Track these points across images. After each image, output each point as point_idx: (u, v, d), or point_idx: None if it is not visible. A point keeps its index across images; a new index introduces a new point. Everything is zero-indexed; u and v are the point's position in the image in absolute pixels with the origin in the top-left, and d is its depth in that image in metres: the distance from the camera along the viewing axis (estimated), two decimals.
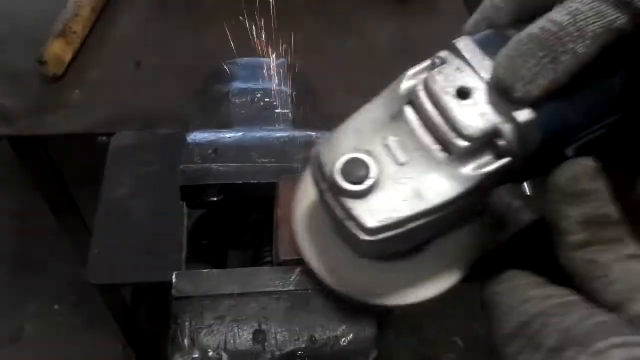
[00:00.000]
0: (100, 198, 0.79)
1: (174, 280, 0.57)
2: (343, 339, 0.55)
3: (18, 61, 1.21)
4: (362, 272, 0.52)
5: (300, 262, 0.57)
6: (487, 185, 0.42)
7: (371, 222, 0.42)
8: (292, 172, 0.66)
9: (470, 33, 0.45)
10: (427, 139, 0.43)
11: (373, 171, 0.43)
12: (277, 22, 1.38)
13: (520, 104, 0.39)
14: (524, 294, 0.36)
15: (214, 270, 0.59)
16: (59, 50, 1.17)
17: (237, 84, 0.81)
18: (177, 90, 1.16)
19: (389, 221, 0.42)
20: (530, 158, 0.41)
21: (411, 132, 0.43)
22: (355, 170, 0.43)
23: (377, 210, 0.42)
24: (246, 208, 0.70)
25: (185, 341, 0.54)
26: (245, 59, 0.86)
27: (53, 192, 1.32)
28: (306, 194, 0.55)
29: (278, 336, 0.54)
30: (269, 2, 1.43)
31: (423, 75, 0.44)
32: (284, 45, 1.30)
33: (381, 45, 1.33)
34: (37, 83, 1.17)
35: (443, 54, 0.44)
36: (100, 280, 0.74)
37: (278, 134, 0.70)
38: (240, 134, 0.70)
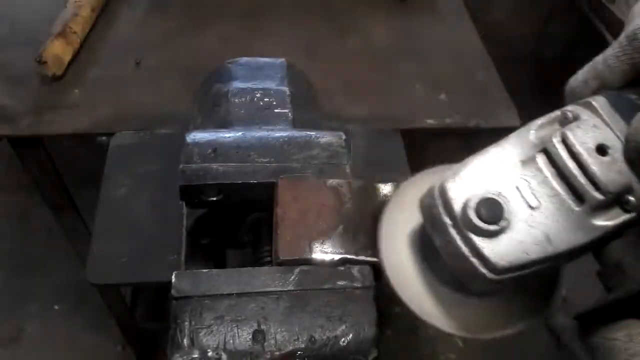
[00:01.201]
0: (100, 198, 0.79)
1: (173, 280, 0.57)
2: (343, 339, 0.55)
3: (18, 61, 1.21)
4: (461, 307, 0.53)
5: (299, 262, 0.57)
6: (609, 237, 0.45)
7: (501, 262, 0.44)
8: (292, 172, 0.66)
9: (577, 88, 0.48)
10: (560, 187, 0.45)
11: (506, 212, 0.45)
12: (277, 22, 1.38)
13: None
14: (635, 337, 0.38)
15: (214, 270, 0.59)
16: (58, 50, 1.17)
17: (237, 84, 0.81)
18: (177, 90, 1.16)
19: (518, 262, 0.44)
20: None
21: (544, 180, 0.46)
22: (490, 210, 0.45)
23: (509, 252, 0.44)
24: (246, 208, 0.70)
25: (185, 341, 0.54)
26: (245, 59, 0.86)
27: (53, 192, 1.32)
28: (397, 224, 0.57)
29: (277, 336, 0.54)
30: (269, 2, 1.43)
31: (552, 126, 0.47)
32: (284, 45, 1.30)
33: (381, 45, 1.33)
34: (37, 83, 1.17)
35: (573, 108, 0.47)
36: (100, 280, 0.74)
37: (278, 134, 0.70)
38: (239, 133, 0.70)
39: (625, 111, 0.44)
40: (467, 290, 0.49)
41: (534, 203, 0.45)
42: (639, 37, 0.43)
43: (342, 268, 0.59)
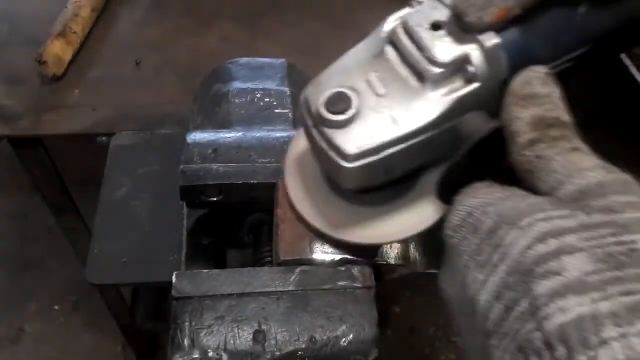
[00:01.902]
0: (100, 198, 0.79)
1: (173, 281, 0.57)
2: (343, 339, 0.55)
3: (18, 61, 1.21)
4: (352, 214, 0.55)
5: (299, 262, 0.57)
6: (459, 113, 0.45)
7: (351, 148, 0.45)
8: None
9: None
10: (404, 71, 0.46)
11: (354, 102, 0.46)
12: (277, 22, 1.38)
13: (474, 31, 0.43)
14: (473, 193, 0.39)
15: (214, 271, 0.59)
16: (59, 50, 1.17)
17: (237, 84, 0.81)
18: (177, 90, 1.16)
19: (367, 147, 0.45)
20: (500, 89, 0.43)
21: (391, 67, 0.47)
22: (338, 102, 0.46)
23: (357, 138, 0.45)
24: (246, 208, 0.70)
25: (185, 341, 0.54)
26: (245, 59, 0.86)
27: (53, 192, 1.32)
28: (296, 146, 0.59)
29: (278, 336, 0.54)
30: (269, 2, 1.43)
31: (402, 17, 0.48)
32: (284, 45, 1.30)
33: None
34: (37, 83, 1.17)
35: None
36: (100, 280, 0.74)
37: (278, 134, 0.70)
38: (240, 134, 0.70)
39: None
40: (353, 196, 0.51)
41: (381, 91, 0.46)
42: None
43: (342, 268, 0.59)
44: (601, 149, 0.38)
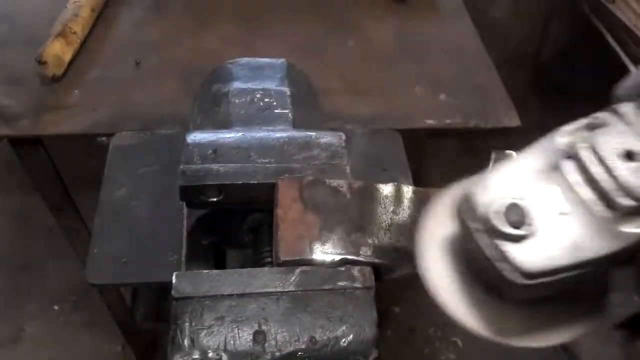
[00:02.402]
0: (100, 198, 0.79)
1: (173, 281, 0.57)
2: (343, 340, 0.55)
3: (18, 61, 1.21)
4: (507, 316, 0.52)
5: (300, 262, 0.57)
6: None
7: (528, 267, 0.44)
8: (292, 172, 0.66)
9: (622, 96, 0.48)
10: (588, 194, 0.45)
11: (533, 217, 0.44)
12: (277, 22, 1.38)
13: None
14: None
15: (214, 271, 0.59)
16: (58, 51, 1.17)
17: (237, 84, 0.81)
18: (177, 90, 1.16)
19: (545, 268, 0.44)
20: None
21: (571, 186, 0.46)
22: (515, 215, 0.44)
23: (534, 257, 0.44)
24: (246, 208, 0.70)
25: (185, 342, 0.54)
26: (245, 59, 0.86)
27: (53, 192, 1.32)
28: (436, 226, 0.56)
29: (278, 337, 0.54)
30: (269, 2, 1.43)
31: (580, 133, 0.47)
32: (284, 45, 1.30)
33: (381, 45, 1.33)
34: (37, 83, 1.17)
35: (600, 115, 0.47)
36: (100, 280, 0.74)
37: (278, 135, 0.70)
38: (240, 134, 0.70)
39: None
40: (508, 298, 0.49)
41: (560, 209, 0.45)
42: None
43: (342, 269, 0.59)
44: None
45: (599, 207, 0.44)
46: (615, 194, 0.43)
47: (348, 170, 0.68)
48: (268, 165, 0.66)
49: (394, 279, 0.66)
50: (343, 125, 1.00)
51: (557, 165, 0.46)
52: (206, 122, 0.80)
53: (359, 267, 0.59)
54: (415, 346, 1.85)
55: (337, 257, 0.59)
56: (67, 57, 1.19)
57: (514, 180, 0.47)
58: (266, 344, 0.54)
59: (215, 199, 0.66)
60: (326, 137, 0.70)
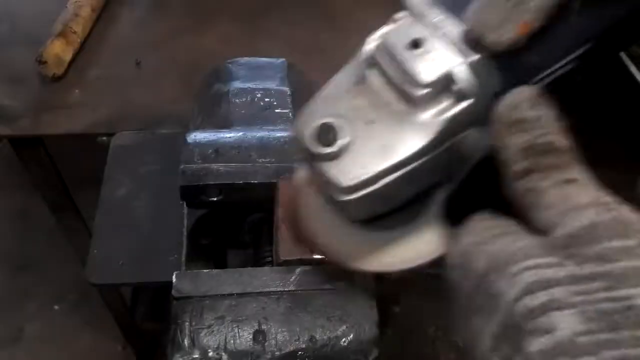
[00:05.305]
0: (100, 198, 0.79)
1: (174, 281, 0.57)
2: (343, 339, 0.55)
3: (18, 61, 1.21)
4: (363, 241, 0.52)
5: (300, 262, 0.57)
6: (454, 133, 0.42)
7: (345, 181, 0.43)
8: (292, 172, 0.66)
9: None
10: (391, 95, 0.44)
11: (343, 133, 0.44)
12: (277, 22, 1.38)
13: (497, 53, 0.40)
14: (470, 228, 0.37)
15: (214, 271, 0.59)
16: (59, 50, 1.17)
17: (237, 84, 0.81)
18: (177, 90, 1.16)
19: (361, 178, 0.43)
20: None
21: (377, 92, 0.45)
22: (327, 134, 0.44)
23: (350, 170, 0.43)
24: (246, 208, 0.70)
25: (186, 341, 0.54)
26: (245, 58, 0.86)
27: (53, 192, 1.32)
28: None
29: (278, 336, 0.54)
30: (269, 2, 1.43)
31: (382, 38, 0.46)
32: (284, 45, 1.30)
33: None
34: (37, 83, 1.17)
35: (400, 14, 0.45)
36: (100, 280, 0.74)
37: (278, 134, 0.70)
38: (240, 134, 0.70)
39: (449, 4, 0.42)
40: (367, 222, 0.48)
41: (370, 118, 0.44)
42: None
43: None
44: (602, 153, 0.36)
45: (400, 106, 0.43)
46: (406, 86, 0.42)
47: None
48: (269, 165, 0.66)
49: (394, 279, 0.66)
50: None
51: (363, 76, 0.45)
52: (206, 121, 0.80)
53: None
54: (415, 346, 1.85)
55: None
56: (67, 57, 1.19)
57: (327, 102, 0.46)
58: (266, 344, 0.54)
59: (215, 199, 0.66)
60: None
